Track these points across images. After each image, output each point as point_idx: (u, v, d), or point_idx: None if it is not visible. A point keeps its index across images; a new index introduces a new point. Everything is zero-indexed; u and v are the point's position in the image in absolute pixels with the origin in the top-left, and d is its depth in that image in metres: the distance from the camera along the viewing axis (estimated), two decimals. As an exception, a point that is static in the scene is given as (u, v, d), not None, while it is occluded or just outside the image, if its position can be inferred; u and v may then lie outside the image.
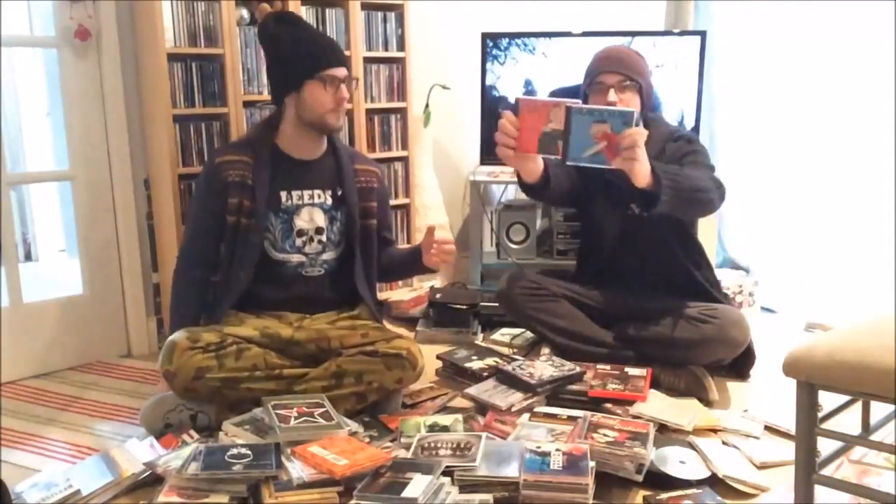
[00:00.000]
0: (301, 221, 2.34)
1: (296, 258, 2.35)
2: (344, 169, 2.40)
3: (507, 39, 3.27)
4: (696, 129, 3.28)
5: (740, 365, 2.48)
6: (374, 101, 3.17)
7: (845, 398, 1.57)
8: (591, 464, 1.78)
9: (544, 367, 2.35)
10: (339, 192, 2.38)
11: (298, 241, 2.35)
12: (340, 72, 2.29)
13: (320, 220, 2.36)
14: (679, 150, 2.41)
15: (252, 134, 2.42)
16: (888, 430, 1.64)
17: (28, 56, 3.94)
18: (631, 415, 2.10)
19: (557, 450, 1.83)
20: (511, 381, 2.29)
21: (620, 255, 2.54)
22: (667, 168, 2.15)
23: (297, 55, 2.27)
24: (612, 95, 2.38)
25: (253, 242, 2.28)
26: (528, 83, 3.30)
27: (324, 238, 2.37)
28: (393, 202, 2.86)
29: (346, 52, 3.02)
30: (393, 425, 2.10)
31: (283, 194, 2.33)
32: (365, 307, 2.41)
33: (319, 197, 2.37)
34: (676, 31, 3.62)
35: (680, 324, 2.37)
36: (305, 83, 2.26)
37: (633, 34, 3.30)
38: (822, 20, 3.26)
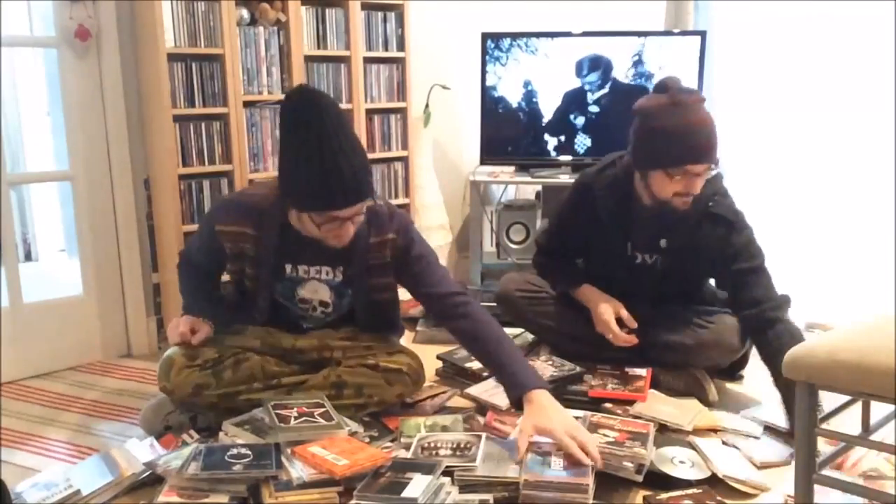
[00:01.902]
0: (305, 292, 2.21)
1: (298, 310, 2.26)
2: (354, 247, 2.10)
3: (508, 40, 3.27)
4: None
5: (733, 367, 2.48)
6: (374, 101, 3.17)
7: (845, 398, 1.57)
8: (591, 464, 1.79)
9: (544, 367, 2.35)
10: (349, 272, 2.18)
11: (301, 307, 2.24)
12: (347, 212, 1.97)
13: (325, 295, 2.22)
14: (725, 240, 2.29)
15: (263, 202, 2.10)
16: (888, 430, 1.64)
17: (28, 56, 3.94)
18: (631, 415, 2.10)
19: (559, 450, 1.82)
20: (511, 381, 2.29)
21: (626, 298, 2.43)
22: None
23: (303, 184, 1.94)
24: (697, 187, 2.23)
25: (262, 298, 2.19)
26: (527, 83, 3.30)
27: (329, 310, 2.25)
28: (393, 202, 2.83)
29: (346, 53, 3.04)
30: (393, 425, 2.10)
31: (288, 266, 2.17)
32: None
33: (328, 274, 2.18)
34: (676, 31, 3.62)
35: (677, 328, 2.37)
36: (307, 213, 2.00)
37: (633, 34, 3.30)
38: (823, 20, 3.26)
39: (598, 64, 3.26)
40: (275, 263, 2.15)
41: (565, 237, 2.57)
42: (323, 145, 1.90)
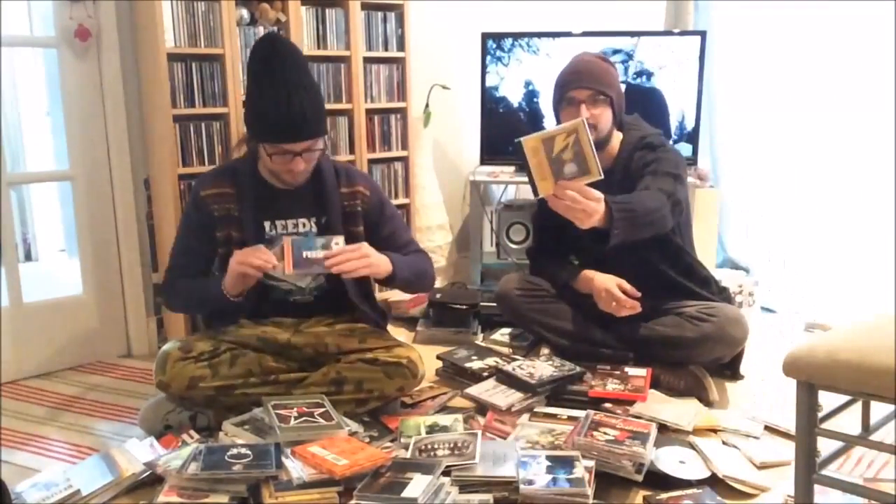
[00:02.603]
0: None
1: (285, 286, 2.28)
2: (327, 195, 2.26)
3: (510, 40, 3.27)
4: (696, 129, 3.28)
5: (733, 363, 2.49)
6: (374, 101, 3.17)
7: (845, 398, 1.57)
8: (590, 463, 1.79)
9: (544, 367, 2.35)
10: (324, 220, 2.27)
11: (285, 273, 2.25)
12: (297, 146, 2.11)
13: None
14: (642, 159, 2.41)
15: (235, 162, 2.33)
16: (888, 430, 1.64)
17: (28, 56, 3.94)
18: (631, 415, 2.09)
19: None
20: (511, 381, 2.29)
21: (603, 270, 2.46)
22: (618, 199, 2.15)
23: (258, 114, 2.13)
24: (584, 112, 2.35)
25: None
26: (528, 83, 3.30)
27: None
28: (393, 202, 2.83)
29: (346, 53, 3.04)
30: (393, 425, 2.10)
31: (267, 224, 2.24)
32: (363, 312, 2.38)
33: (304, 226, 2.27)
34: (676, 31, 3.62)
35: (679, 323, 2.37)
36: (261, 143, 2.16)
37: (634, 34, 3.30)
38: (822, 20, 3.26)
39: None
40: (255, 221, 2.22)
41: (548, 228, 2.59)
42: (280, 82, 2.08)
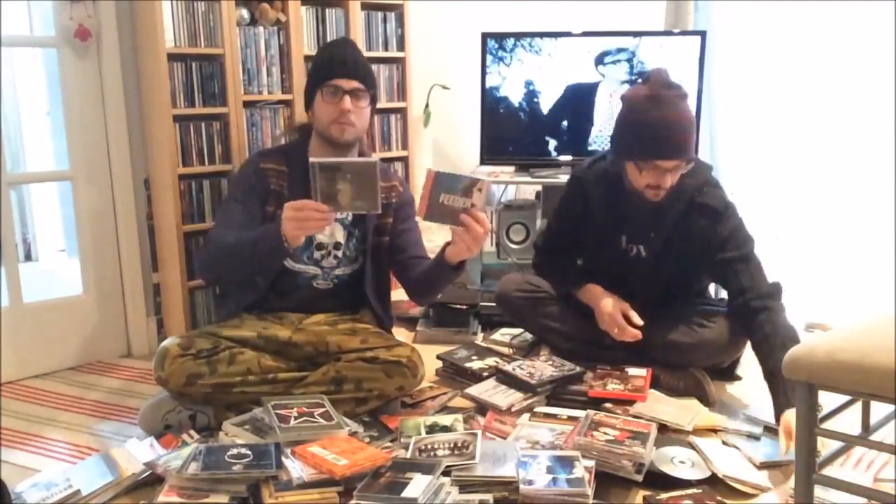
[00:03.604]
0: (321, 235, 2.32)
1: (311, 270, 2.34)
2: None
3: (512, 40, 3.26)
4: (696, 129, 3.27)
5: (730, 367, 2.49)
6: (374, 101, 3.17)
7: (845, 398, 1.57)
8: (590, 463, 1.79)
9: (544, 367, 2.35)
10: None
11: (317, 254, 2.34)
12: (345, 83, 2.25)
13: (340, 235, 2.36)
14: (711, 229, 2.27)
15: (287, 144, 2.44)
16: (888, 430, 1.64)
17: (28, 56, 3.94)
18: (631, 415, 2.09)
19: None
20: (511, 381, 2.30)
21: (625, 298, 2.42)
22: (784, 387, 1.95)
23: (321, 59, 2.34)
24: (668, 181, 2.21)
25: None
26: (529, 83, 3.30)
27: (340, 254, 2.36)
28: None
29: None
30: (393, 425, 2.10)
31: None
32: (368, 311, 2.40)
33: (341, 212, 2.34)
34: (676, 31, 3.62)
35: (678, 327, 2.37)
36: (315, 94, 2.29)
37: (634, 34, 3.30)
38: (823, 20, 3.25)
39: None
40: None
41: (564, 234, 2.57)
42: (343, 41, 2.43)
